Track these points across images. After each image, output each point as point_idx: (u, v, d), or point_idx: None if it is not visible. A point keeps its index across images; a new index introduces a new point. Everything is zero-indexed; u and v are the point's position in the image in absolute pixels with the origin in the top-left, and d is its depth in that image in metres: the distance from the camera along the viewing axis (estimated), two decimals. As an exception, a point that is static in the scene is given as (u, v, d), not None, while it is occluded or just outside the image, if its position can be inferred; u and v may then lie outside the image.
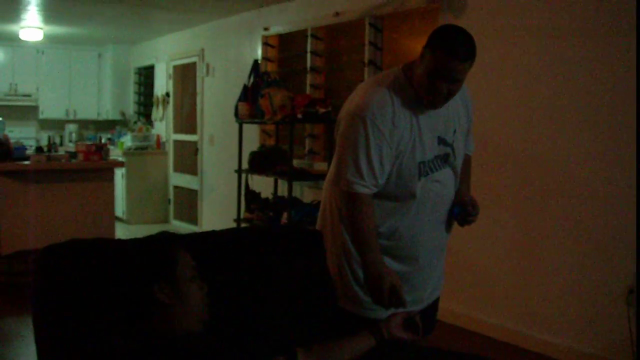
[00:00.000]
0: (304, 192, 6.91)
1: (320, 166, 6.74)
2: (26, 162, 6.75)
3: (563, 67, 4.60)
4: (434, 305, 2.92)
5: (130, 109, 11.84)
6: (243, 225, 6.97)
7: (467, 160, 2.88)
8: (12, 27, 9.60)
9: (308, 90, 6.99)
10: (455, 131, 2.68)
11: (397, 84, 2.54)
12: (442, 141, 2.63)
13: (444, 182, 2.67)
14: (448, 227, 2.80)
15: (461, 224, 2.79)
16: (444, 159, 2.65)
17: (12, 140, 7.30)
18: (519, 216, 4.94)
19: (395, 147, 2.50)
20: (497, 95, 4.96)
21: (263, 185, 7.18)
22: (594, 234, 4.45)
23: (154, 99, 10.80)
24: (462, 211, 2.73)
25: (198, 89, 9.39)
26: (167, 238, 2.11)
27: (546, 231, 4.74)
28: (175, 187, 10.31)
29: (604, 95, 4.38)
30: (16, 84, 11.38)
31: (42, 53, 11.50)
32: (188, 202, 9.91)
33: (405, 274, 2.65)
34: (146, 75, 11.54)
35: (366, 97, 2.53)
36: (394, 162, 2.52)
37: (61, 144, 11.24)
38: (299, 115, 6.21)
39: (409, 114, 2.52)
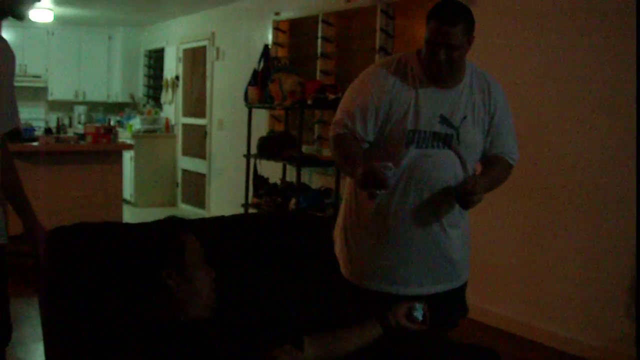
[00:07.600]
0: (313, 178, 6.89)
1: (329, 152, 6.71)
2: (35, 144, 6.75)
3: (574, 53, 4.54)
4: (447, 297, 2.92)
5: (140, 91, 11.83)
6: (251, 210, 6.96)
7: (498, 161, 2.79)
8: (23, 8, 9.56)
9: (318, 76, 6.96)
10: (465, 117, 2.67)
11: (407, 58, 2.73)
12: (445, 121, 2.65)
13: (438, 162, 2.65)
14: (446, 217, 2.75)
15: (463, 205, 2.64)
16: (445, 140, 2.65)
17: (21, 122, 7.29)
18: (526, 208, 4.91)
19: (386, 109, 2.63)
20: (506, 82, 4.86)
21: (271, 170, 7.17)
22: (602, 227, 4.41)
23: (164, 82, 10.79)
24: (460, 188, 2.58)
25: (208, 73, 9.36)
26: (175, 223, 2.10)
27: (554, 223, 4.71)
28: (184, 171, 10.32)
29: (617, 83, 4.31)
30: (26, 65, 11.33)
31: (52, 34, 11.46)
32: (196, 186, 9.91)
33: (393, 261, 2.72)
34: (156, 58, 11.51)
35: (375, 62, 2.73)
36: (382, 123, 2.65)
37: (70, 126, 11.21)
38: (309, 101, 6.19)
39: (410, 84, 2.67)
